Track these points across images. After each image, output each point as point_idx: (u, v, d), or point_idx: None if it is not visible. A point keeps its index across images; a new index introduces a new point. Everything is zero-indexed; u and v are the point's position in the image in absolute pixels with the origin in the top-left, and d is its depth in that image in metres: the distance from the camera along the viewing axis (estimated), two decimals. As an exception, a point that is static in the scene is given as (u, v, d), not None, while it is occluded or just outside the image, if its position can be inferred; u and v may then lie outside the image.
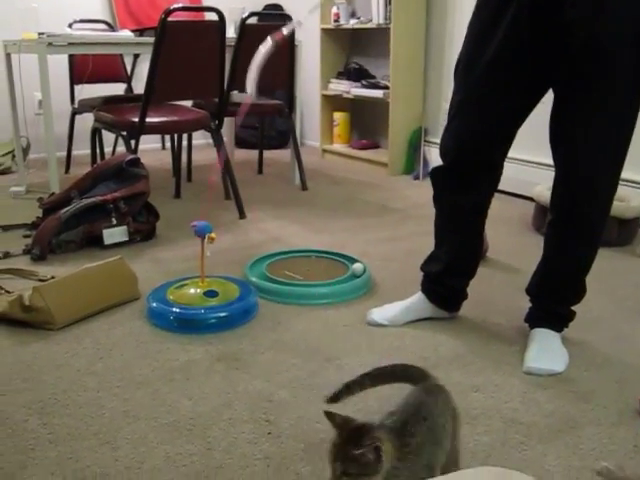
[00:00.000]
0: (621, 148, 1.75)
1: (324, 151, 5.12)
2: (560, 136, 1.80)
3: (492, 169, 1.94)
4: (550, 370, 1.81)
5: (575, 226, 1.84)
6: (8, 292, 2.28)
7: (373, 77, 4.80)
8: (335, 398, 1.29)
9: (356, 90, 4.71)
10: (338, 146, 5.07)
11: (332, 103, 5.03)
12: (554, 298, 1.96)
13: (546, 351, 1.88)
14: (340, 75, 4.97)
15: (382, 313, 2.12)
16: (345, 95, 4.83)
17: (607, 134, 1.72)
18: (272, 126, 5.32)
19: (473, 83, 1.82)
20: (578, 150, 1.75)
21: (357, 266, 2.48)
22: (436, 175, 1.98)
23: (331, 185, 4.16)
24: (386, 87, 4.47)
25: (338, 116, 5.03)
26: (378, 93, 4.51)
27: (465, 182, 1.93)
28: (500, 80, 1.78)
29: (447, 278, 2.09)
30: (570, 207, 1.82)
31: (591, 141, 1.72)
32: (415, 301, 2.13)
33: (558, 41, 1.68)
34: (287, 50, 3.73)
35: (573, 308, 1.96)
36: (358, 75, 4.80)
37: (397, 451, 1.09)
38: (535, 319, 1.98)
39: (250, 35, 3.48)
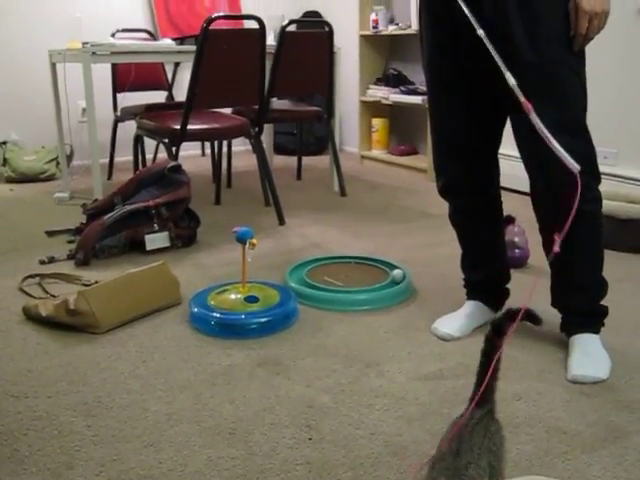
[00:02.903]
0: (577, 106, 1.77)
1: (362, 157, 5.13)
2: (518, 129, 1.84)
3: (479, 179, 2.00)
4: (594, 377, 1.78)
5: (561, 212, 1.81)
6: (53, 296, 2.33)
7: (412, 83, 4.80)
8: None
9: (395, 96, 4.70)
10: (377, 152, 5.06)
11: (371, 109, 5.04)
12: (577, 300, 1.93)
13: (588, 357, 1.85)
14: (379, 81, 4.98)
15: (449, 325, 2.10)
16: (384, 101, 4.83)
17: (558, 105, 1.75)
18: (310, 132, 5.34)
19: (430, 97, 1.99)
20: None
21: (397, 272, 2.48)
22: (440, 192, 2.08)
23: (370, 191, 4.16)
24: (424, 93, 4.45)
25: (377, 122, 5.04)
26: (417, 99, 4.50)
27: (459, 194, 2.04)
28: (442, 99, 1.95)
29: (487, 283, 2.12)
30: (547, 185, 1.81)
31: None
32: (474, 308, 2.13)
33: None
34: (326, 55, 3.75)
35: (603, 303, 1.93)
36: (397, 81, 4.80)
37: None
38: (569, 326, 1.96)
39: (289, 42, 3.52)
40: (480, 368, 1.26)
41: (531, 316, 1.25)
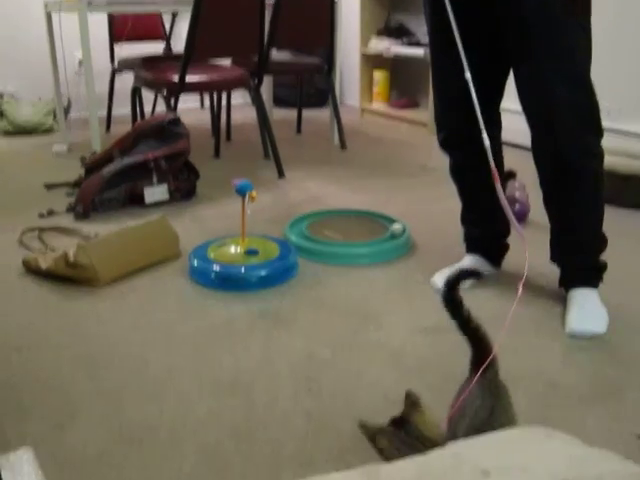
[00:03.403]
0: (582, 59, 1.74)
1: (363, 110, 5.08)
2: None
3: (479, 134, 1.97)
4: (592, 332, 1.80)
5: (562, 166, 1.80)
6: (53, 249, 2.33)
7: (414, 35, 4.73)
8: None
9: (396, 48, 4.64)
10: (377, 105, 5.02)
11: (372, 61, 4.97)
12: (576, 255, 1.94)
13: (586, 311, 1.86)
14: (380, 33, 4.90)
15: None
16: (385, 53, 4.76)
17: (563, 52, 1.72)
18: (311, 84, 5.28)
19: (433, 54, 1.98)
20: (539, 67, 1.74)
21: (397, 226, 2.48)
22: (440, 144, 2.07)
23: (370, 144, 4.13)
24: (426, 45, 4.39)
25: (378, 75, 4.98)
26: (419, 51, 4.44)
27: (460, 147, 2.02)
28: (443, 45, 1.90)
29: (487, 238, 2.14)
30: (546, 132, 1.79)
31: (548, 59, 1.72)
32: (474, 261, 2.14)
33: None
34: (327, 6, 3.68)
35: (602, 259, 1.93)
36: (398, 33, 4.73)
37: None
38: (568, 281, 1.97)
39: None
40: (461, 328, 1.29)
41: (472, 274, 1.28)
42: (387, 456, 1.11)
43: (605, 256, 1.93)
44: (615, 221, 2.08)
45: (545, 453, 0.66)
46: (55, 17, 3.71)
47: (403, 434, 1.13)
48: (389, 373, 1.64)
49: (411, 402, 1.18)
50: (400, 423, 1.15)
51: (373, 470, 0.66)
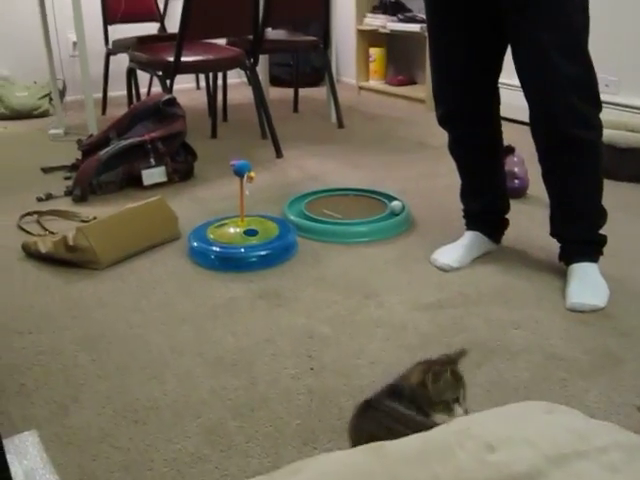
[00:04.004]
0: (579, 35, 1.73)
1: (360, 88, 5.05)
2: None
3: (478, 108, 1.99)
4: (592, 305, 1.80)
5: (560, 139, 1.80)
6: (52, 233, 2.33)
7: (410, 10, 4.68)
8: None
9: (392, 24, 4.60)
10: (374, 82, 4.99)
11: (368, 38, 4.93)
12: (576, 229, 1.93)
13: (586, 285, 1.86)
14: (376, 9, 4.86)
15: (448, 255, 2.10)
16: (381, 30, 4.73)
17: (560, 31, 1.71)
18: (307, 63, 5.24)
19: (431, 32, 1.96)
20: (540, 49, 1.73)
21: (396, 204, 2.47)
22: (439, 120, 2.05)
23: (368, 122, 4.11)
24: (423, 21, 4.36)
25: (374, 51, 4.94)
26: (415, 27, 4.41)
27: (458, 123, 2.01)
28: (439, 23, 1.91)
29: (486, 214, 2.13)
30: (546, 112, 1.79)
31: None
32: (473, 238, 2.13)
33: None
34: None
35: (601, 232, 1.93)
36: (394, 9, 4.68)
37: None
38: (568, 255, 1.96)
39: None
40: None
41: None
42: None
43: (604, 229, 1.93)
44: (614, 194, 2.08)
45: (549, 426, 0.66)
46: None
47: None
48: (390, 350, 1.64)
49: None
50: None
51: (378, 446, 0.66)
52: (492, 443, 0.61)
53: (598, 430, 0.66)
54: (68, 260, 2.11)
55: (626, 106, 3.31)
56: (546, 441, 0.61)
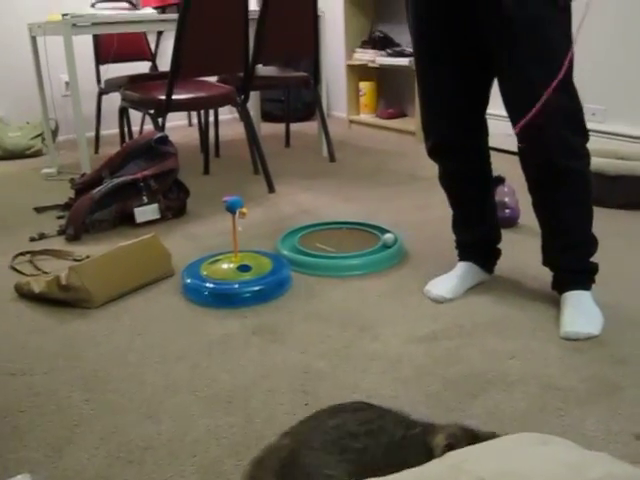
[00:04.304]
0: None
1: (351, 122, 5.10)
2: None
3: (467, 139, 2.00)
4: (587, 333, 1.80)
5: (549, 170, 1.81)
6: (45, 273, 2.33)
7: (398, 45, 4.75)
8: None
9: (381, 59, 4.67)
10: (365, 116, 5.04)
11: (358, 73, 5.00)
12: (568, 258, 1.94)
13: (580, 313, 1.87)
14: (365, 44, 4.92)
15: (441, 287, 2.10)
16: (370, 64, 4.79)
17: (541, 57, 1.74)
18: (298, 98, 5.30)
19: (418, 63, 1.97)
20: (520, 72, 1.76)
21: (388, 236, 2.48)
22: (429, 153, 2.07)
23: (359, 155, 4.14)
24: (411, 55, 4.41)
25: (364, 86, 5.00)
26: (404, 61, 4.47)
27: (448, 155, 2.03)
28: (428, 57, 1.93)
29: (478, 244, 2.14)
30: (535, 140, 1.80)
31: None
32: (466, 269, 2.14)
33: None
34: (311, 19, 3.70)
35: (593, 260, 1.94)
36: (383, 43, 4.75)
37: None
38: (561, 284, 1.97)
39: (273, 6, 3.47)
40: None
41: None
42: None
43: (596, 257, 1.94)
44: (605, 222, 2.09)
45: (542, 459, 0.66)
46: (40, 40, 3.72)
47: None
48: (386, 383, 1.64)
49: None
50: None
51: (371, 482, 0.65)
52: (485, 478, 0.61)
53: (592, 461, 0.65)
54: (61, 300, 2.11)
55: (613, 134, 3.35)
56: (539, 475, 0.61)
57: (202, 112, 4.12)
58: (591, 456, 0.69)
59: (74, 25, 3.23)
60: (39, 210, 3.14)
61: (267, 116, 5.29)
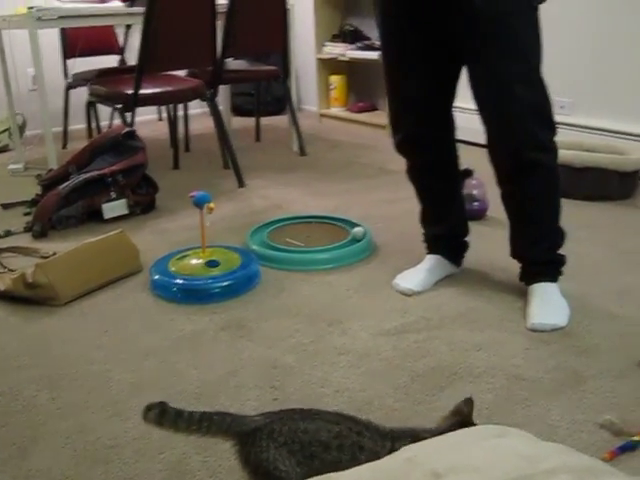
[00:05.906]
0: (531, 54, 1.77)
1: (321, 115, 5.09)
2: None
3: (434, 134, 2.01)
4: (553, 325, 1.82)
5: (517, 162, 1.83)
6: (11, 270, 2.29)
7: (368, 38, 4.74)
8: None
9: (352, 52, 4.66)
10: (336, 110, 5.03)
11: (328, 66, 4.98)
12: (536, 250, 1.96)
13: (547, 305, 1.89)
14: (335, 38, 4.91)
15: (410, 280, 2.11)
16: (340, 58, 4.78)
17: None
18: (268, 92, 5.27)
19: (385, 58, 1.99)
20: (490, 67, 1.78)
21: (358, 230, 2.48)
22: (396, 148, 2.07)
23: (330, 149, 4.14)
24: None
25: (335, 79, 4.99)
26: (374, 55, 4.46)
27: (415, 150, 2.04)
28: (396, 51, 1.94)
29: (446, 237, 2.16)
30: (502, 134, 1.82)
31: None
32: (435, 262, 2.15)
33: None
34: (280, 12, 3.68)
35: (561, 252, 1.96)
36: (353, 37, 4.75)
37: None
38: (528, 276, 1.99)
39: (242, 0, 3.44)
40: None
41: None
42: None
43: (563, 249, 1.96)
44: (572, 214, 2.11)
45: (497, 452, 0.67)
46: (5, 34, 3.66)
47: None
48: (354, 377, 1.64)
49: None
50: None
51: (330, 478, 0.65)
52: (439, 471, 0.61)
53: (548, 453, 0.66)
54: (27, 297, 2.08)
55: (581, 126, 3.38)
56: (493, 467, 0.61)
57: (171, 106, 4.08)
58: (546, 447, 0.70)
59: (39, 18, 3.18)
60: (5, 206, 3.09)
61: (237, 110, 5.26)
